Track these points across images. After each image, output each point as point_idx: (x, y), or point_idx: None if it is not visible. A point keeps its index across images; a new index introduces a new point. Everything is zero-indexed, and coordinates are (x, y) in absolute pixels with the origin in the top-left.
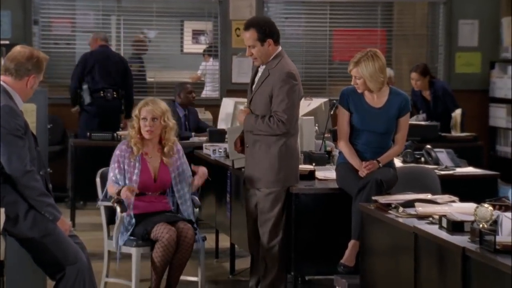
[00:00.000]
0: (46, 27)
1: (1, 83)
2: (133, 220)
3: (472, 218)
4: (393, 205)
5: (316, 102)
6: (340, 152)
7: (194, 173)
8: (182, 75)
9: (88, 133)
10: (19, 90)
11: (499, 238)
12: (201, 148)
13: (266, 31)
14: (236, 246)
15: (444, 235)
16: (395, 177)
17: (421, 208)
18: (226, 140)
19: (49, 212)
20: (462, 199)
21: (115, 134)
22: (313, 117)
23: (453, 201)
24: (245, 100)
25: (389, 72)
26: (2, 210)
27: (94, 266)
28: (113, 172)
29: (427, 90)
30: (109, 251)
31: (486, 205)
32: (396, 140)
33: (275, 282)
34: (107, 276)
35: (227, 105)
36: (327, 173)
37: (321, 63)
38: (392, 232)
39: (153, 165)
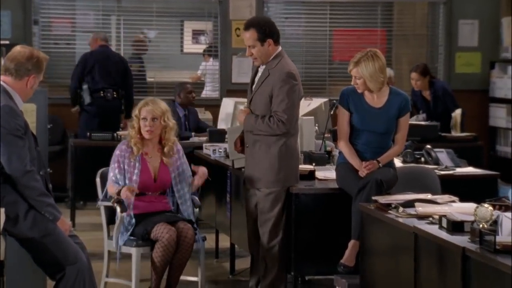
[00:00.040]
0: (46, 27)
1: (1, 83)
2: (133, 220)
3: (472, 218)
4: (393, 205)
5: (316, 102)
6: (340, 152)
7: (194, 173)
8: (182, 75)
9: (88, 133)
10: (19, 90)
11: (499, 238)
12: (201, 148)
13: (266, 31)
14: (236, 246)
15: (444, 235)
16: (395, 177)
17: (421, 208)
18: (226, 140)
19: (49, 212)
20: (462, 199)
21: (115, 134)
22: (313, 117)
23: (453, 201)
24: (245, 100)
25: (389, 72)
26: (2, 210)
27: (94, 266)
28: (113, 172)
29: (427, 90)
30: (109, 251)
31: (486, 205)
32: (396, 140)
33: (275, 282)
34: (107, 276)
35: (227, 105)
36: (327, 173)
37: (321, 63)
38: (392, 232)
39: (153, 165)
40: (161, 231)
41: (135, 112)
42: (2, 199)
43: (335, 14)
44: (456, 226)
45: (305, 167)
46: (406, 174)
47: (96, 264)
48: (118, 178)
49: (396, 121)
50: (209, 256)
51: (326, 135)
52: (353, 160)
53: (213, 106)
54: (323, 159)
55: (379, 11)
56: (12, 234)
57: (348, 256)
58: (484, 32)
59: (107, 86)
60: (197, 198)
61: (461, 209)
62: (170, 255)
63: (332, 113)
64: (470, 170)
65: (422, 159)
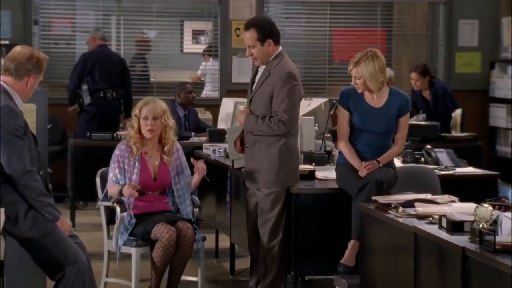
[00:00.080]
0: (46, 27)
1: (1, 83)
2: (133, 220)
3: (472, 218)
4: (393, 205)
5: (316, 102)
6: (340, 152)
7: (193, 166)
8: (182, 75)
9: (88, 133)
10: (19, 90)
11: (499, 238)
12: (201, 148)
13: (266, 31)
14: (236, 246)
15: (444, 235)
16: (395, 177)
17: (421, 208)
18: (226, 140)
19: (49, 212)
20: (462, 199)
21: (115, 134)
22: (313, 117)
23: (453, 201)
24: (245, 100)
25: (389, 72)
26: (2, 210)
27: (94, 266)
28: (113, 172)
29: (427, 90)
30: (109, 251)
31: (486, 205)
32: (396, 140)
33: (275, 282)
34: (107, 276)
35: (227, 105)
36: (327, 173)
37: (321, 63)
38: (392, 232)
39: (153, 164)
40: (161, 231)
41: (135, 111)
42: (2, 199)
43: (335, 14)
44: (456, 226)
45: (305, 167)
46: (406, 174)
47: (96, 264)
48: (118, 178)
49: (396, 121)
50: (209, 256)
51: (326, 135)
52: (353, 160)
53: (213, 106)
54: (323, 159)
55: (379, 11)
56: (12, 234)
57: (348, 256)
58: (484, 32)
59: (106, 86)
60: (197, 198)
61: (461, 209)
62: (170, 255)
63: (332, 113)
64: (470, 170)
65: (422, 159)
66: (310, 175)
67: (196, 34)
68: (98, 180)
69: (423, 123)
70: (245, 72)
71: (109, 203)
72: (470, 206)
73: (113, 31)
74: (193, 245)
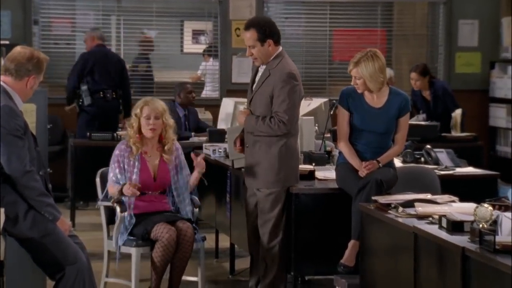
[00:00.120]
0: (46, 27)
1: (1, 83)
2: (133, 220)
3: (472, 218)
4: (393, 205)
5: (316, 102)
6: (340, 152)
7: (193, 164)
8: (182, 75)
9: (88, 133)
10: (19, 91)
11: (498, 238)
12: (201, 148)
13: (266, 31)
14: (236, 246)
15: (443, 235)
16: (395, 177)
17: (421, 208)
18: (226, 140)
19: (49, 212)
20: (462, 199)
21: (115, 134)
22: (313, 117)
23: (453, 201)
24: (245, 100)
25: (389, 72)
26: (2, 210)
27: (94, 266)
28: (113, 172)
29: (427, 90)
30: (109, 251)
31: (486, 205)
32: (396, 140)
33: (275, 282)
34: (107, 276)
35: (227, 105)
36: (327, 173)
37: (321, 63)
38: (392, 232)
39: (153, 164)
40: (161, 231)
41: (136, 111)
42: (2, 199)
43: (335, 14)
44: (456, 226)
45: (305, 167)
46: (406, 174)
47: (96, 264)
48: (118, 178)
49: (396, 121)
50: (209, 256)
51: (326, 135)
52: (353, 160)
53: (213, 106)
54: (323, 159)
55: (379, 11)
56: (12, 234)
57: (348, 256)
58: (484, 32)
59: (106, 86)
60: (197, 198)
61: (461, 209)
62: (170, 254)
63: (332, 113)
64: (470, 170)
65: (422, 159)
66: (310, 175)
67: (196, 34)
68: (98, 180)
69: (423, 123)
70: (245, 72)
71: (109, 203)
72: (470, 206)
73: (113, 31)
74: (193, 245)
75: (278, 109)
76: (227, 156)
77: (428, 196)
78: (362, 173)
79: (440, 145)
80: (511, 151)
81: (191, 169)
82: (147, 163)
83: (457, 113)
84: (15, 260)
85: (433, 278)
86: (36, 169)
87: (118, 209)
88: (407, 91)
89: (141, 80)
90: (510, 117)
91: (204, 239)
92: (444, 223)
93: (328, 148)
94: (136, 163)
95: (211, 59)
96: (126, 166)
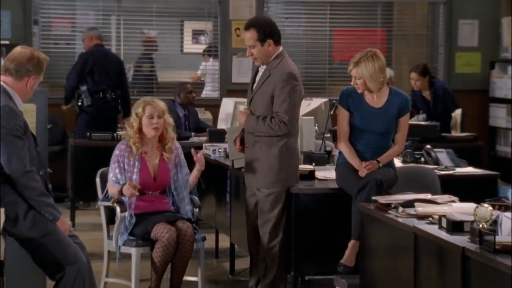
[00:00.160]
0: (46, 27)
1: (1, 83)
2: (133, 220)
3: (472, 218)
4: (393, 205)
5: (316, 102)
6: (340, 152)
7: (193, 162)
8: (182, 75)
9: (88, 133)
10: (19, 91)
11: (498, 238)
12: (201, 148)
13: (266, 31)
14: (236, 246)
15: (443, 235)
16: (395, 177)
17: (421, 208)
18: (226, 140)
19: (49, 212)
20: (462, 199)
21: (115, 134)
22: (313, 117)
23: (453, 201)
24: (245, 100)
25: (389, 72)
26: (2, 210)
27: (94, 266)
28: (113, 172)
29: (427, 90)
30: (109, 251)
31: (486, 205)
32: (396, 140)
33: (275, 282)
34: (107, 276)
35: (227, 105)
36: (327, 173)
37: (321, 63)
38: (391, 232)
39: (153, 163)
40: (161, 231)
41: (137, 110)
42: (2, 199)
43: (335, 14)
44: (455, 226)
45: (305, 167)
46: (406, 174)
47: (96, 264)
48: (118, 178)
49: (396, 121)
50: (209, 256)
51: (326, 135)
52: (353, 160)
53: (213, 106)
54: (323, 159)
55: (379, 11)
56: (12, 234)
57: (348, 256)
58: (484, 32)
59: (106, 87)
60: (197, 198)
61: (461, 209)
62: (170, 255)
63: (332, 113)
64: (470, 170)
65: (422, 159)
66: (310, 175)
67: (196, 34)
68: (98, 180)
69: (423, 123)
70: (245, 72)
71: (109, 203)
72: (470, 206)
73: (113, 31)
74: (193, 245)
75: (278, 109)
76: (227, 156)
77: (428, 196)
78: (362, 173)
79: (440, 145)
80: (511, 151)
81: (191, 169)
82: (147, 163)
83: (457, 113)
84: (15, 260)
85: (433, 278)
86: (36, 169)
87: (118, 209)
88: (407, 91)
89: (144, 80)
90: (510, 117)
91: (204, 239)
92: (444, 223)
93: (328, 148)
94: (136, 163)
95: (211, 59)
96: (126, 166)
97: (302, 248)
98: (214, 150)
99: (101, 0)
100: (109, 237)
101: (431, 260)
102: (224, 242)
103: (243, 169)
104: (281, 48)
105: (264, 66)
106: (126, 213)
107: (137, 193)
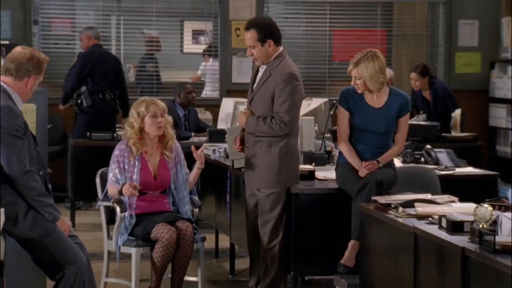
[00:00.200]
0: (46, 27)
1: (1, 83)
2: (134, 220)
3: (471, 218)
4: (392, 205)
5: (316, 102)
6: (340, 152)
7: (193, 160)
8: (182, 75)
9: (88, 133)
10: (19, 91)
11: (498, 238)
12: None
13: (266, 31)
14: (236, 246)
15: (443, 235)
16: (395, 177)
17: (420, 208)
18: (226, 140)
19: (49, 212)
20: (462, 199)
21: (114, 134)
22: (313, 117)
23: (453, 201)
24: (245, 100)
25: (389, 72)
26: (2, 210)
27: (94, 266)
28: (112, 172)
29: (427, 90)
30: (109, 251)
31: (485, 205)
32: (396, 140)
33: (275, 282)
34: (107, 276)
35: (227, 105)
36: (327, 173)
37: (321, 63)
38: (391, 232)
39: (153, 163)
40: (161, 231)
41: (139, 109)
42: (1, 199)
43: (335, 14)
44: (455, 226)
45: (305, 167)
46: (406, 174)
47: (96, 264)
48: (118, 178)
49: (396, 121)
50: (209, 256)
51: (326, 135)
52: (353, 160)
53: (213, 106)
54: (323, 159)
55: (379, 11)
56: (12, 234)
57: (348, 256)
58: (484, 32)
59: (105, 87)
60: (197, 198)
61: (460, 209)
62: (170, 255)
63: (332, 113)
64: (470, 170)
65: (422, 159)
66: (310, 175)
67: (196, 34)
68: (98, 180)
69: (423, 123)
70: (245, 72)
71: (109, 203)
72: (470, 206)
73: (113, 31)
74: (193, 245)
75: (279, 110)
76: (227, 156)
77: (428, 196)
78: (362, 173)
79: (440, 145)
80: (511, 151)
81: (190, 169)
82: (147, 163)
83: (457, 113)
84: (15, 260)
85: (433, 278)
86: (36, 169)
87: (118, 209)
88: (407, 91)
89: (148, 80)
90: (510, 117)
91: (204, 239)
92: (444, 223)
93: (328, 148)
94: (136, 163)
95: (211, 59)
96: (126, 166)
97: (302, 248)
98: (214, 150)
99: (101, 0)
100: (109, 237)
101: (431, 260)
102: (224, 242)
103: (243, 169)
104: (281, 48)
105: (265, 66)
106: (126, 213)
107: (137, 193)
